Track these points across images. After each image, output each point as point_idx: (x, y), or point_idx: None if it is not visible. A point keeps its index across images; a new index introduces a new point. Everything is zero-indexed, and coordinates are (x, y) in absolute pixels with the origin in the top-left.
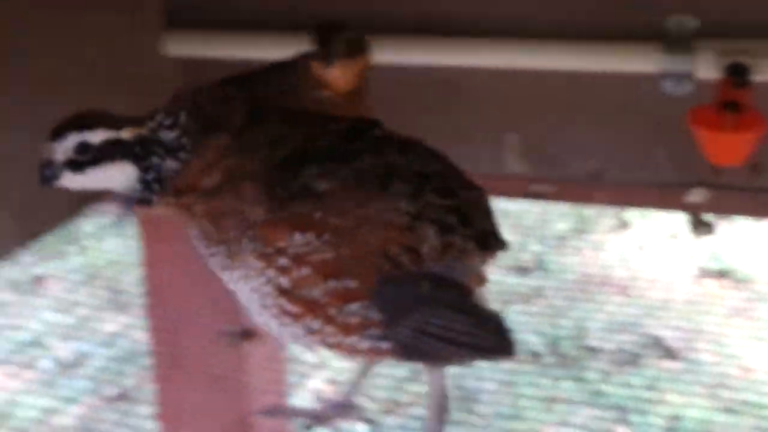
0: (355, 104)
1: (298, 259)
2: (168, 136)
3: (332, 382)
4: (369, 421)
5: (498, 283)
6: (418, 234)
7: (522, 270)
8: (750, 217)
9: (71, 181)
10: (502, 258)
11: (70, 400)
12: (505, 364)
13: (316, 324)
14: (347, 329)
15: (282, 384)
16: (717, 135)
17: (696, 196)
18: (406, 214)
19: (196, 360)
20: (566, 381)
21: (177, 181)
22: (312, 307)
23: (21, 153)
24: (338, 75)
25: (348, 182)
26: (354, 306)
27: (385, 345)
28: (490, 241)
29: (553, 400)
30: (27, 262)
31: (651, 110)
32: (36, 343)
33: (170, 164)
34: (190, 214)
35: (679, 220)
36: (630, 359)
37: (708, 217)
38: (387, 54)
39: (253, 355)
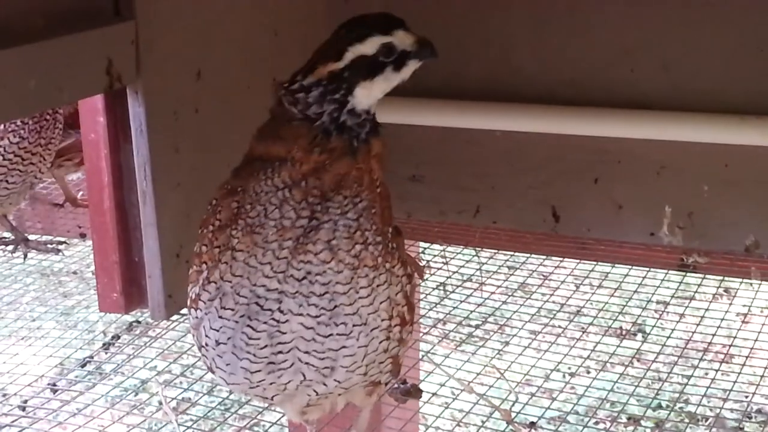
0: None
1: None
2: None
3: None
4: None
5: (598, 346)
6: None
7: (622, 334)
8: None
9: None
10: (603, 321)
11: None
12: (601, 426)
13: None
14: None
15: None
16: None
17: None
18: None
19: None
20: None
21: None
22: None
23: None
24: None
25: None
26: None
27: None
28: None
29: None
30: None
31: None
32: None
33: None
34: (375, 187)
35: None
36: (732, 428)
37: None
38: (554, 125)
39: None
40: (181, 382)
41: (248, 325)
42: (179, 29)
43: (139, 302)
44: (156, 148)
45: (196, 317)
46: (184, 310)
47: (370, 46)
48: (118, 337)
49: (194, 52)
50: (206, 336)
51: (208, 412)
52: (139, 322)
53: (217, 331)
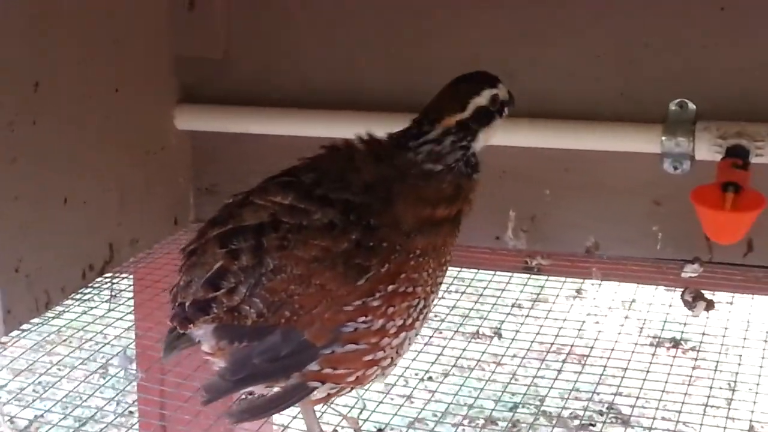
0: None
1: None
2: None
3: None
4: None
5: (455, 351)
6: None
7: (479, 337)
8: (740, 293)
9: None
10: (460, 325)
11: None
12: (460, 429)
13: None
14: None
15: None
16: (718, 213)
17: (691, 271)
18: None
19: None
20: None
21: None
22: None
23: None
24: None
25: None
26: None
27: None
28: None
29: None
30: None
31: (649, 188)
32: None
33: None
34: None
35: (631, 290)
36: (585, 426)
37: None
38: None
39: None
40: (34, 400)
41: None
42: (14, 39)
43: None
44: None
45: (407, 336)
46: (25, 326)
47: (484, 98)
48: None
49: (31, 63)
50: (409, 343)
51: (50, 428)
52: None
53: (417, 336)
